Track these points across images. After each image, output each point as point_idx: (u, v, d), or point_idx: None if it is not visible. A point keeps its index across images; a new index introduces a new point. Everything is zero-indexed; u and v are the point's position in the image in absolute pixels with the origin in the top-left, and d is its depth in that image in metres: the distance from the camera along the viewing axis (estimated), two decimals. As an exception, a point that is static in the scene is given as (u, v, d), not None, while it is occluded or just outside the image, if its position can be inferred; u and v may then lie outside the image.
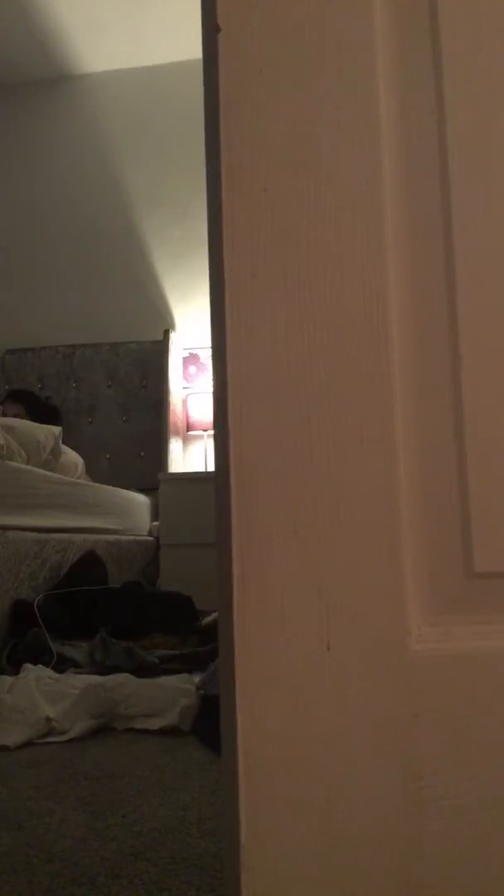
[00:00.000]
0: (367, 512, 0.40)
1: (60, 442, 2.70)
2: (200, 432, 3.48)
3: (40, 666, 1.60)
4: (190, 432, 3.52)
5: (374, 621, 0.39)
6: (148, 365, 3.53)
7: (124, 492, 2.99)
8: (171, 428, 3.34)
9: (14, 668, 1.63)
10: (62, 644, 1.78)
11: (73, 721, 1.26)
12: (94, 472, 3.24)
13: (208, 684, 1.39)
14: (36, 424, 2.67)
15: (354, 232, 0.42)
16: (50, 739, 1.22)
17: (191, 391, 3.55)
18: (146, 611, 2.02)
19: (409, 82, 0.44)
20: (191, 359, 3.62)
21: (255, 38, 0.43)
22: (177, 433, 3.43)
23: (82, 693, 1.32)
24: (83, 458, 3.09)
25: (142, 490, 3.22)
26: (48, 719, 1.26)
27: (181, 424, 3.51)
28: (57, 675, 1.54)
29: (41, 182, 3.95)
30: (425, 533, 0.41)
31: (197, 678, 1.50)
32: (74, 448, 3.13)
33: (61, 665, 1.65)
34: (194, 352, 3.62)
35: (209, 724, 1.25)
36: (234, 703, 0.38)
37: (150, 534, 3.14)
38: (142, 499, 3.16)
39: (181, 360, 3.59)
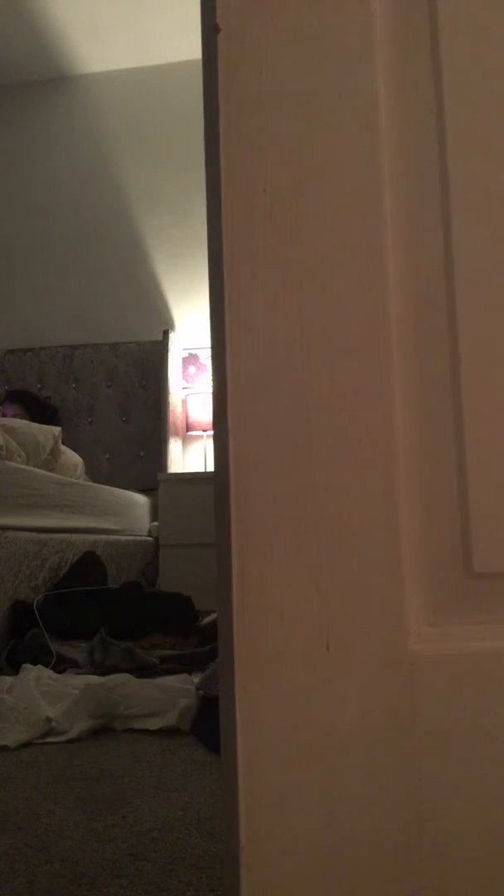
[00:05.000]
0: (366, 512, 0.40)
1: (60, 442, 2.70)
2: (200, 432, 3.48)
3: (40, 666, 1.60)
4: (189, 432, 3.52)
5: (374, 621, 0.39)
6: (147, 365, 3.53)
7: (124, 492, 2.99)
8: (171, 428, 3.34)
9: (14, 668, 1.64)
10: (61, 644, 1.78)
11: (73, 721, 1.26)
12: (93, 473, 3.24)
13: (208, 684, 1.39)
14: (35, 425, 2.67)
15: (354, 232, 0.42)
16: (49, 740, 1.22)
17: (190, 391, 3.55)
18: (145, 611, 2.02)
19: (409, 82, 0.44)
20: (190, 359, 3.62)
21: (255, 38, 0.43)
22: (176, 433, 3.43)
23: (82, 693, 1.32)
24: (83, 458, 3.09)
25: (141, 490, 3.22)
26: (48, 719, 1.26)
27: (181, 425, 3.51)
28: (56, 676, 1.54)
29: (41, 182, 3.95)
30: (425, 533, 0.41)
31: (196, 678, 1.50)
32: (74, 448, 3.13)
33: (61, 665, 1.65)
34: (194, 352, 3.62)
35: (209, 724, 1.25)
36: (234, 703, 0.38)
37: (149, 534, 3.14)
38: (141, 499, 3.16)
39: (181, 361, 3.60)
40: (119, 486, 3.02)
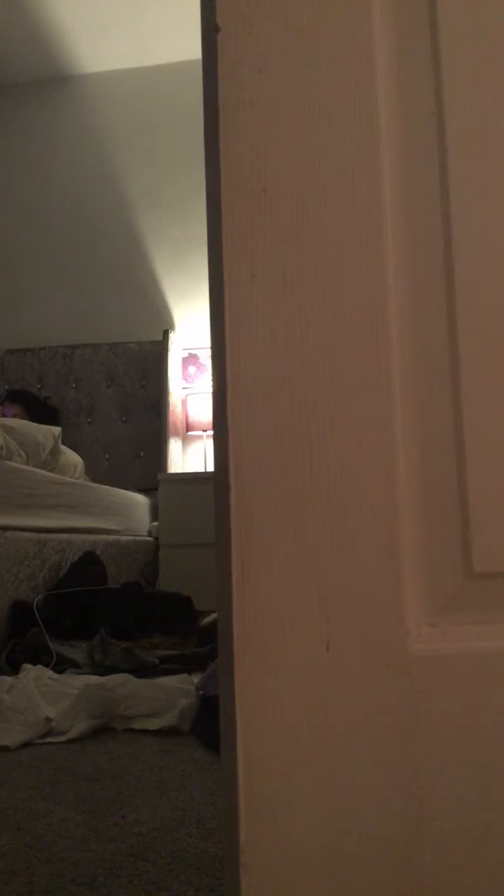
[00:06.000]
0: (366, 512, 0.40)
1: (60, 442, 2.70)
2: (200, 433, 3.48)
3: (40, 666, 1.60)
4: (189, 433, 3.52)
5: (374, 621, 0.39)
6: (147, 365, 3.53)
7: (124, 492, 2.99)
8: (171, 428, 3.34)
9: (14, 668, 1.63)
10: (61, 644, 1.78)
11: (73, 721, 1.26)
12: (93, 473, 3.24)
13: (208, 685, 1.39)
14: (35, 425, 2.67)
15: (354, 232, 0.42)
16: (49, 740, 1.22)
17: (190, 391, 3.55)
18: (145, 611, 2.02)
19: (409, 83, 0.44)
20: (190, 359, 3.62)
21: (255, 38, 0.43)
22: (176, 433, 3.43)
23: (82, 693, 1.32)
24: (82, 458, 3.09)
25: (141, 490, 3.22)
26: (47, 719, 1.26)
27: (180, 425, 3.51)
28: (56, 676, 1.54)
29: (41, 182, 3.95)
30: (424, 533, 0.41)
31: (196, 678, 1.50)
32: (74, 448, 3.13)
33: (61, 665, 1.65)
34: (194, 352, 3.62)
35: (209, 724, 1.25)
36: (234, 703, 0.38)
37: (149, 534, 3.14)
38: (141, 499, 3.16)
39: (180, 361, 3.60)
40: (119, 486, 3.02)
